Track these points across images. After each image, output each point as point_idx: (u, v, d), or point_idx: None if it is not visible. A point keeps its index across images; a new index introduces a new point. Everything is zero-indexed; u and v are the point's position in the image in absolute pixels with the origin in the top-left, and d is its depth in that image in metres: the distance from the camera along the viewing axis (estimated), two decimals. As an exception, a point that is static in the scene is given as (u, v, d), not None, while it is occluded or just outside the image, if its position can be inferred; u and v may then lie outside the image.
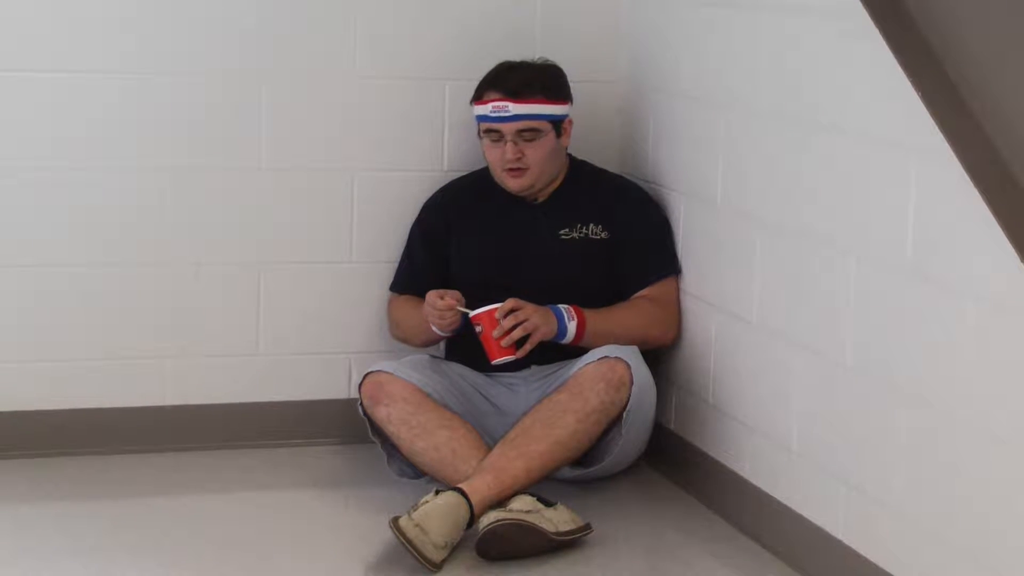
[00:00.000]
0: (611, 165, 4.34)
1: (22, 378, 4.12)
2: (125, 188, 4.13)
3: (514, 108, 4.01)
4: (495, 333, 3.85)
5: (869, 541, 3.26)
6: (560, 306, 3.95)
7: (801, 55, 3.49)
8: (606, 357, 3.83)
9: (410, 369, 3.95)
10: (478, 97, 4.07)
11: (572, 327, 3.94)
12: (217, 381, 4.26)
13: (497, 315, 3.85)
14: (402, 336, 4.23)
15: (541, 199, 4.16)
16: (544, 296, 4.01)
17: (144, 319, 4.19)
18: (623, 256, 4.08)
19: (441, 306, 3.93)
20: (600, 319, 3.99)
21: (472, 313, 3.87)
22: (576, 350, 3.96)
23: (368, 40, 4.25)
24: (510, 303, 3.86)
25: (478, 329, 3.87)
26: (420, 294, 4.07)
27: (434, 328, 4.01)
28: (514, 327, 3.84)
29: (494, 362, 3.88)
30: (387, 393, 3.87)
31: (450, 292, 3.95)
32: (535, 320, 3.87)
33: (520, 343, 3.87)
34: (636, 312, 4.04)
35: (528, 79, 4.05)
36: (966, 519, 2.94)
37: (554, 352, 4.02)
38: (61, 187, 4.09)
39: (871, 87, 3.19)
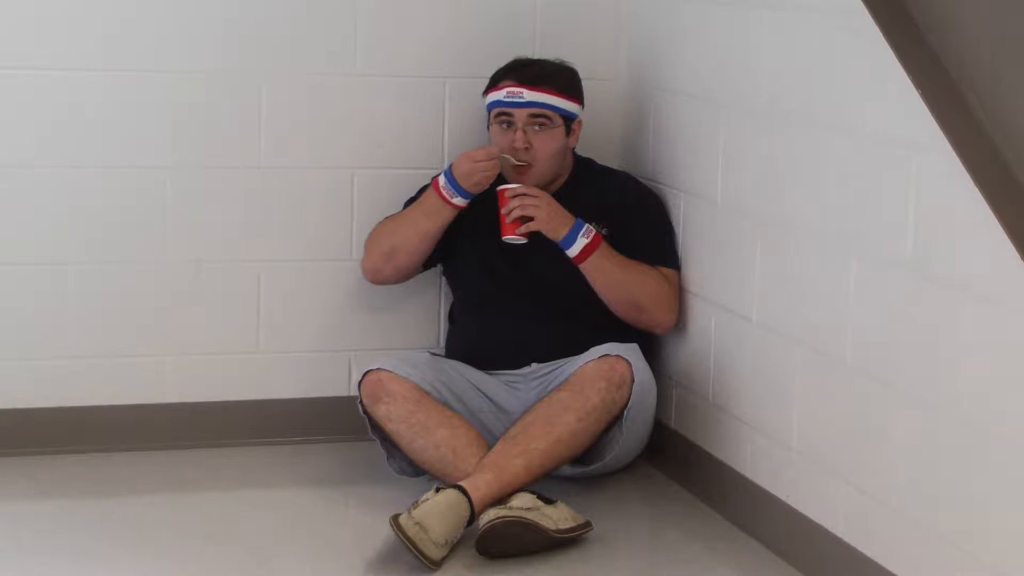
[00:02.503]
0: (612, 163, 4.34)
1: (22, 376, 4.12)
2: (125, 187, 4.13)
3: (528, 95, 4.03)
4: (504, 210, 3.95)
5: (869, 539, 3.26)
6: (587, 224, 3.99)
7: (801, 54, 3.49)
8: (607, 355, 3.83)
9: (410, 367, 3.95)
10: (492, 85, 4.09)
11: (580, 244, 3.97)
12: (217, 379, 4.26)
13: (507, 194, 3.96)
14: (390, 244, 4.11)
15: (543, 198, 4.16)
16: (545, 293, 4.02)
17: (144, 318, 4.19)
18: (624, 250, 4.07)
19: (493, 153, 3.98)
20: (610, 257, 4.00)
21: (497, 188, 3.99)
22: (577, 346, 3.95)
23: (368, 39, 4.25)
24: (524, 187, 3.97)
25: (498, 204, 4.00)
26: None
27: (453, 186, 3.98)
28: (517, 207, 3.94)
29: (503, 239, 3.98)
30: (387, 391, 3.87)
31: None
32: (541, 210, 3.95)
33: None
34: (646, 276, 4.03)
35: (544, 71, 4.08)
36: (966, 518, 2.95)
37: (554, 349, 4.02)
38: (61, 187, 4.09)
39: (871, 86, 3.19)
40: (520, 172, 4.06)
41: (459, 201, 4.02)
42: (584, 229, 3.97)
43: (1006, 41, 2.87)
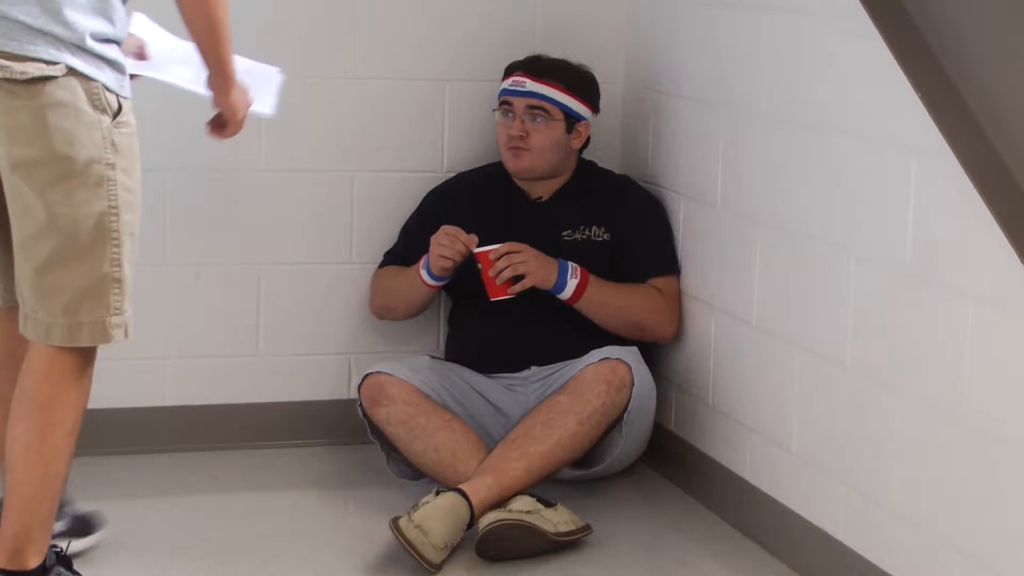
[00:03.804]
0: (611, 165, 4.34)
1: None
2: (125, 188, 4.13)
3: (531, 85, 4.06)
4: (491, 272, 3.90)
5: (868, 541, 3.26)
6: (569, 263, 3.97)
7: (801, 55, 3.49)
8: (607, 358, 3.83)
9: (410, 370, 3.95)
10: (505, 76, 4.12)
11: (572, 285, 3.96)
12: (217, 381, 4.26)
13: (491, 256, 3.91)
14: (383, 303, 4.22)
15: (545, 197, 4.16)
16: (544, 296, 4.01)
17: (144, 319, 4.15)
18: (624, 255, 4.08)
19: (463, 238, 3.95)
20: (603, 289, 3.99)
21: (475, 250, 3.93)
22: (576, 349, 3.95)
23: (368, 40, 4.25)
24: (507, 246, 3.92)
25: (479, 267, 3.93)
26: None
27: (427, 270, 4.01)
28: (508, 268, 3.90)
29: (491, 300, 3.94)
30: (386, 394, 3.87)
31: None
32: (531, 265, 3.91)
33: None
34: (641, 295, 4.04)
35: (554, 66, 4.11)
36: (966, 519, 2.94)
37: (554, 352, 4.02)
38: (61, 188, 4.08)
39: (871, 87, 3.19)
40: (516, 155, 4.07)
41: (429, 280, 4.05)
42: (570, 269, 3.97)
43: (1006, 41, 2.87)
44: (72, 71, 2.94)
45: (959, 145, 2.90)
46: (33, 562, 3.10)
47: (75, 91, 2.94)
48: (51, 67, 2.92)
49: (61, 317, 3.00)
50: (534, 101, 4.06)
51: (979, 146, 2.87)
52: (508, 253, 3.91)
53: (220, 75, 3.17)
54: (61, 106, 2.93)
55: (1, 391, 3.25)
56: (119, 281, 3.04)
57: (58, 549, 3.22)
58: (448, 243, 3.95)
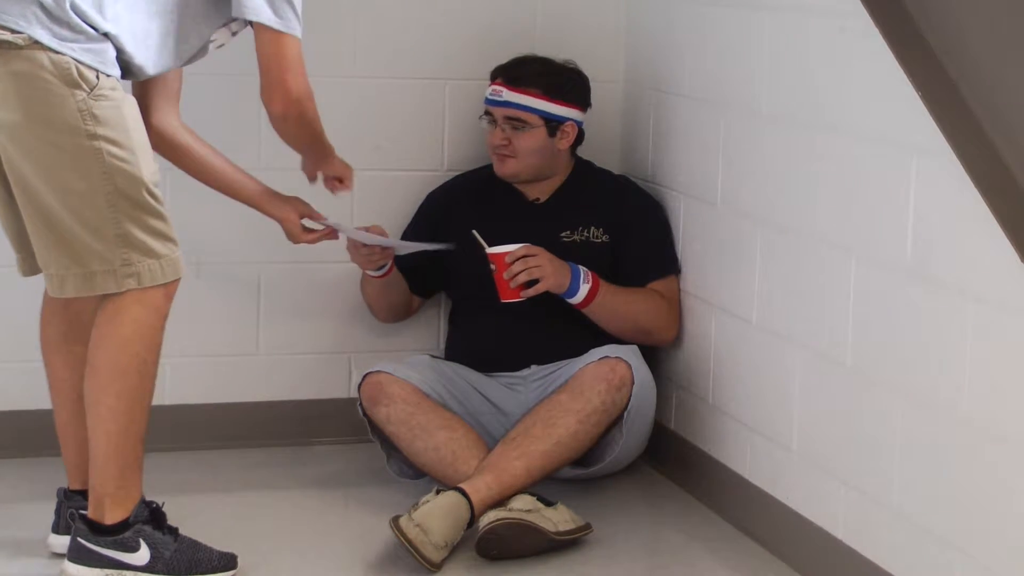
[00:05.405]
0: (611, 165, 4.34)
1: (23, 378, 4.12)
2: (125, 188, 4.13)
3: (507, 95, 4.05)
4: (505, 275, 3.88)
5: (868, 541, 3.26)
6: (581, 267, 3.96)
7: (801, 55, 3.49)
8: (607, 357, 3.83)
9: (409, 369, 3.95)
10: (490, 80, 4.12)
11: (584, 290, 3.95)
12: (217, 380, 4.26)
13: (507, 259, 3.88)
14: (367, 303, 4.24)
15: (543, 198, 4.16)
16: (544, 295, 4.00)
17: (144, 319, 4.18)
18: (623, 256, 4.08)
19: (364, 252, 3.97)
20: (613, 294, 3.99)
21: (489, 251, 3.91)
22: (576, 348, 3.96)
23: (368, 40, 4.25)
24: (523, 249, 3.90)
25: (492, 268, 3.91)
26: (400, 271, 4.14)
27: (367, 272, 4.05)
28: (523, 271, 3.88)
29: (503, 302, 3.92)
30: (386, 394, 3.87)
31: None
32: (545, 269, 3.89)
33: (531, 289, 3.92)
34: (648, 301, 4.04)
35: (532, 72, 4.08)
36: (966, 519, 2.94)
37: (554, 351, 4.02)
38: (61, 187, 4.08)
39: (871, 87, 3.19)
40: (501, 160, 4.09)
41: (371, 273, 4.06)
42: (583, 275, 3.96)
43: (1006, 41, 2.87)
44: (37, 43, 3.03)
45: (959, 145, 2.90)
46: (110, 517, 3.24)
47: (40, 63, 3.03)
48: (14, 35, 3.02)
49: (73, 268, 3.16)
50: (510, 112, 4.05)
51: (979, 146, 2.87)
52: (524, 256, 3.90)
53: (319, 159, 3.70)
54: (24, 75, 3.04)
55: (58, 373, 3.45)
56: (122, 237, 3.17)
57: (154, 504, 3.33)
58: (356, 258, 3.98)
